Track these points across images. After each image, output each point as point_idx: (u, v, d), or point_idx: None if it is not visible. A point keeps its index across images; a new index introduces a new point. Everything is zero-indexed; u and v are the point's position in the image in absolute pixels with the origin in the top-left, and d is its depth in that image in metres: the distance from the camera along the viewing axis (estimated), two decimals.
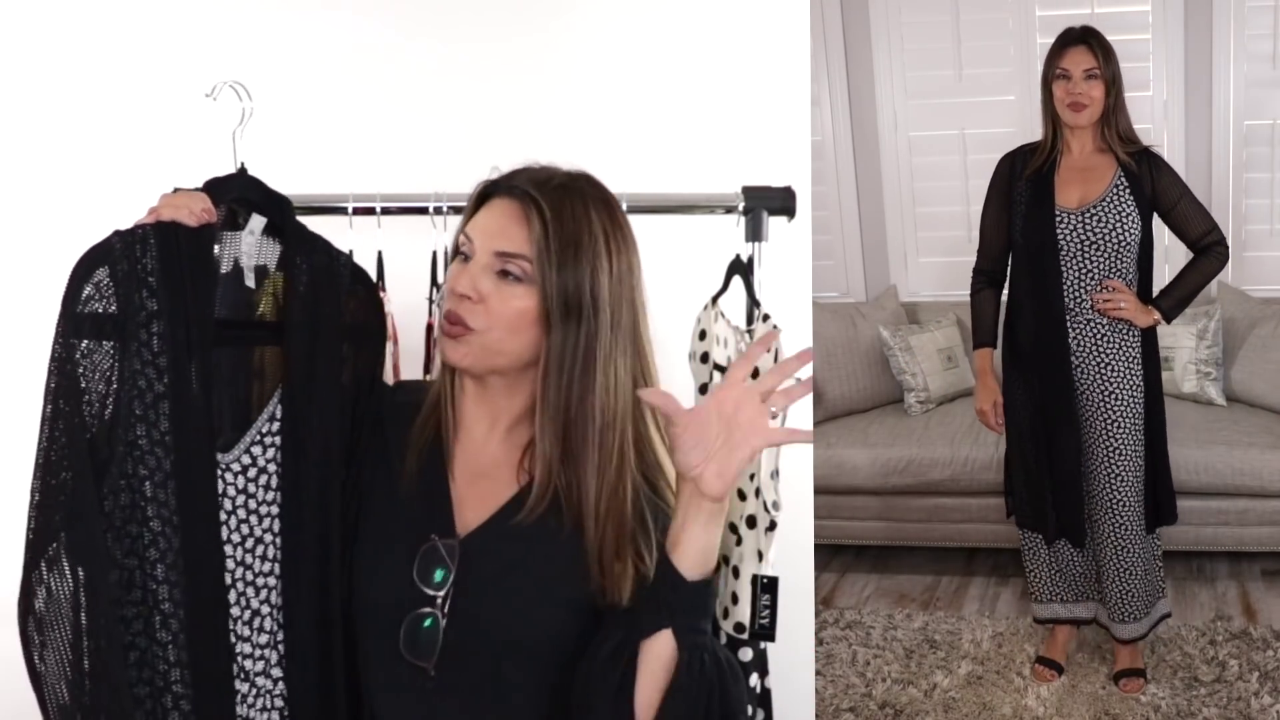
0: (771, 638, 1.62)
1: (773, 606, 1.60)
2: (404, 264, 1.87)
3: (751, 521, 1.61)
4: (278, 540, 1.44)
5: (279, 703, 1.45)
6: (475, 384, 1.43)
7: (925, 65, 4.85)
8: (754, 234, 1.79)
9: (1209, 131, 4.58)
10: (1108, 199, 2.95)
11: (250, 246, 1.46)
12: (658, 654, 1.28)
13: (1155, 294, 3.05)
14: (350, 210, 1.79)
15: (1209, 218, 3.03)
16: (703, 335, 1.79)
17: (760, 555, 1.61)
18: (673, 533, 1.30)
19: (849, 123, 4.96)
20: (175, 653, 1.37)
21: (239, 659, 1.42)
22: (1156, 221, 3.05)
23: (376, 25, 2.24)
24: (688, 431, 1.26)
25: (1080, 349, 3.02)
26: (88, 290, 1.34)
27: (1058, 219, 2.96)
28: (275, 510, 1.44)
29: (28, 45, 2.19)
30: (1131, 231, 2.95)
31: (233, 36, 2.20)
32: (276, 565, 1.44)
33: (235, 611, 1.42)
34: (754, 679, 1.66)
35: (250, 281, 1.47)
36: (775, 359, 1.59)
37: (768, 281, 1.78)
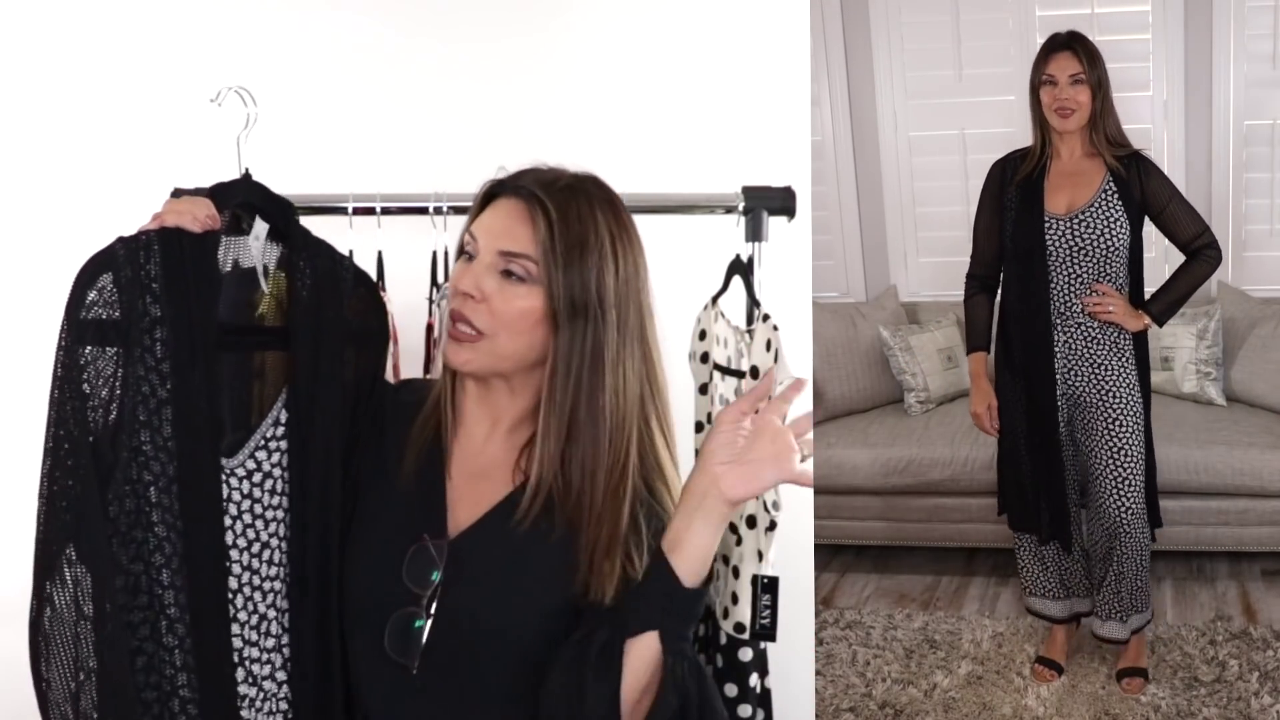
0: (772, 638, 1.62)
1: (773, 606, 1.60)
2: (404, 264, 1.87)
3: (751, 521, 1.61)
4: (284, 545, 1.44)
5: (284, 706, 1.45)
6: (477, 384, 1.43)
7: (925, 65, 4.85)
8: (754, 234, 1.79)
9: (1209, 131, 4.58)
10: (1096, 204, 2.95)
11: (255, 251, 1.46)
12: (640, 655, 1.28)
13: (1147, 298, 3.06)
14: (350, 210, 1.79)
15: (1200, 220, 3.03)
16: (703, 335, 1.79)
17: (760, 555, 1.61)
18: (674, 532, 1.30)
19: (849, 123, 4.96)
20: (181, 657, 1.37)
21: (245, 663, 1.43)
22: (1149, 226, 3.05)
23: (376, 25, 2.24)
24: (724, 430, 1.31)
25: (1072, 353, 3.02)
26: (91, 296, 1.34)
27: (1046, 225, 2.97)
28: (281, 515, 1.45)
29: (32, 52, 2.18)
30: (1120, 236, 2.95)
31: (233, 37, 2.20)
32: (283, 570, 1.45)
33: (242, 616, 1.43)
34: (754, 679, 1.66)
35: (264, 285, 1.47)
36: (775, 358, 1.59)
37: (768, 281, 1.78)
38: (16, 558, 1.47)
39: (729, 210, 1.80)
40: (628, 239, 1.40)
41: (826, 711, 3.21)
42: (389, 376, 1.65)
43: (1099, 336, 3.01)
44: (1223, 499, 3.91)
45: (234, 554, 1.42)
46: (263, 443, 1.44)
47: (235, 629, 1.42)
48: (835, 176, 4.98)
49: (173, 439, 1.37)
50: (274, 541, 1.44)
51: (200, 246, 1.40)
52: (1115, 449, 3.00)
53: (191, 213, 1.41)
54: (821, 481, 3.51)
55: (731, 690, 1.66)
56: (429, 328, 1.86)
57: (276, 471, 1.45)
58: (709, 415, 1.76)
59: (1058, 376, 3.04)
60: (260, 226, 1.47)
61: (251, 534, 1.43)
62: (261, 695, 1.44)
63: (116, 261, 1.35)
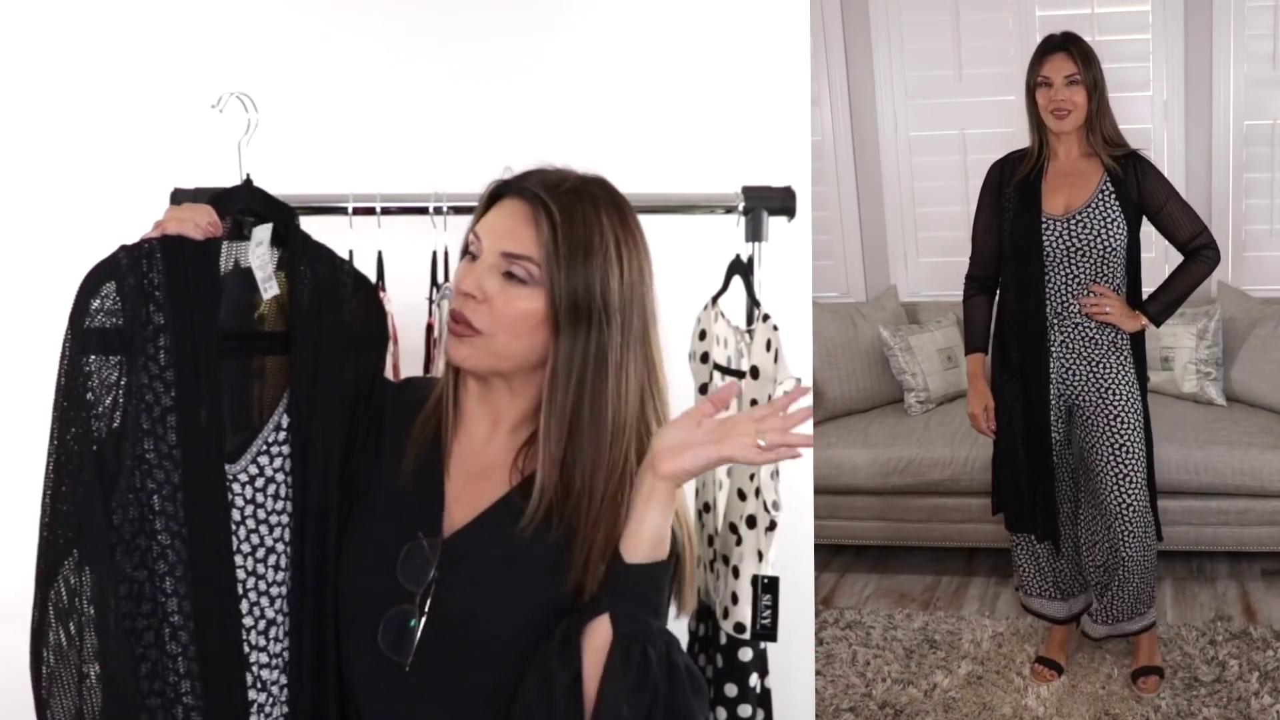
0: (772, 638, 1.62)
1: (773, 606, 1.60)
2: (404, 264, 1.87)
3: (751, 521, 1.61)
4: (289, 549, 1.45)
5: (289, 709, 1.46)
6: (479, 384, 1.43)
7: (925, 65, 4.85)
8: (754, 234, 1.79)
9: (1209, 131, 4.58)
10: (1093, 205, 2.96)
11: (257, 257, 1.47)
12: (594, 640, 1.28)
13: (1144, 298, 3.06)
14: (350, 210, 1.79)
15: (1198, 221, 3.03)
16: (703, 335, 1.79)
17: (760, 555, 1.61)
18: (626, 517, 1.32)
19: (849, 123, 4.96)
20: (185, 664, 1.38)
21: (254, 668, 1.43)
22: (1148, 226, 3.05)
23: (376, 25, 2.24)
24: (689, 415, 1.31)
25: (1069, 354, 3.03)
26: (95, 305, 1.35)
27: (1044, 225, 2.98)
28: (285, 519, 1.45)
29: (33, 57, 2.18)
30: (1117, 237, 2.95)
31: (233, 38, 2.20)
32: (288, 574, 1.45)
33: (249, 621, 1.43)
34: (754, 679, 1.66)
35: (265, 292, 1.47)
36: (775, 358, 1.59)
37: (768, 281, 1.78)
38: (17, 558, 1.47)
39: (729, 210, 1.80)
40: (633, 243, 1.39)
41: (826, 711, 3.21)
42: (389, 376, 1.65)
43: (1096, 337, 3.01)
44: (1223, 499, 3.91)
45: (239, 559, 1.43)
46: (265, 447, 1.45)
47: (242, 634, 1.43)
48: (835, 176, 4.98)
49: (177, 447, 1.37)
50: (279, 546, 1.45)
51: (202, 254, 1.40)
52: (1115, 446, 3.00)
53: (193, 220, 1.41)
54: (821, 481, 3.51)
55: (731, 690, 1.66)
56: (429, 328, 1.86)
57: (280, 476, 1.45)
58: None
59: (1055, 377, 3.05)
60: (262, 232, 1.47)
61: (256, 539, 1.44)
62: (270, 700, 1.44)
63: (119, 270, 1.36)
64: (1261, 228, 4.62)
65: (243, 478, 1.43)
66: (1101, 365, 3.01)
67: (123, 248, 1.37)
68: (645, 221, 1.43)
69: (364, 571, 1.42)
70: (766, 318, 1.63)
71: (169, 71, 2.17)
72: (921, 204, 4.98)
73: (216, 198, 1.48)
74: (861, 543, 4.34)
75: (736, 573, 1.64)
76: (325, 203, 1.79)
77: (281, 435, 1.45)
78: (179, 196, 1.73)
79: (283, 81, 2.17)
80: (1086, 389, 3.03)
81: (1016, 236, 3.03)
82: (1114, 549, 3.06)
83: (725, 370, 1.73)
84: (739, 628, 1.64)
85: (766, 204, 1.79)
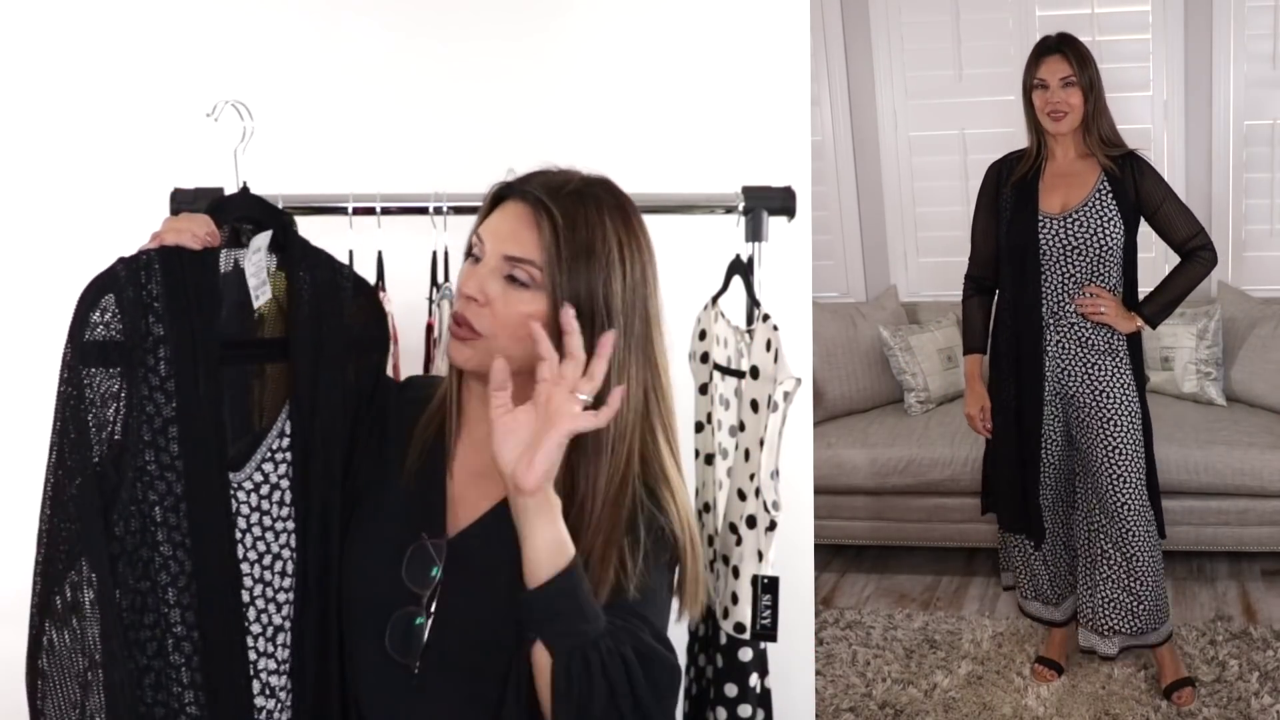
0: (772, 638, 1.62)
1: (773, 606, 1.60)
2: (404, 264, 1.87)
3: (751, 521, 1.61)
4: (295, 556, 1.45)
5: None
6: (481, 385, 1.42)
7: (925, 65, 4.85)
8: (754, 234, 1.79)
9: (1209, 131, 4.59)
10: (1089, 204, 2.96)
11: (252, 264, 1.47)
12: (538, 666, 1.25)
13: (1141, 299, 3.06)
14: (350, 210, 1.79)
15: (1194, 222, 3.03)
16: (703, 335, 1.79)
17: (760, 555, 1.61)
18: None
19: (849, 123, 4.97)
20: (189, 674, 1.38)
21: (262, 675, 1.43)
22: (1146, 227, 3.05)
23: (376, 25, 2.24)
24: (502, 424, 1.25)
25: (1065, 353, 3.03)
26: (94, 318, 1.34)
27: (1040, 224, 2.98)
28: (291, 526, 1.45)
29: (32, 65, 2.18)
30: (1114, 236, 2.96)
31: (233, 39, 2.20)
32: (295, 581, 1.45)
33: (256, 629, 1.43)
34: (754, 679, 1.66)
35: (256, 299, 1.47)
36: (775, 358, 1.59)
37: (768, 281, 1.77)
38: (17, 558, 1.47)
39: (729, 210, 1.80)
40: (636, 246, 1.38)
41: (826, 711, 3.21)
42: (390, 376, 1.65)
43: (1092, 337, 3.01)
44: (1223, 499, 3.91)
45: (245, 567, 1.43)
46: (269, 455, 1.45)
47: (249, 641, 1.43)
48: (835, 176, 4.98)
49: (180, 458, 1.38)
50: (285, 553, 1.45)
51: (200, 264, 1.40)
52: (1109, 448, 3.00)
53: (190, 230, 1.41)
54: (821, 481, 3.51)
55: (731, 690, 1.66)
56: (429, 328, 1.86)
57: (284, 483, 1.45)
58: (709, 415, 1.76)
59: (1052, 376, 3.05)
60: (261, 239, 1.47)
61: (262, 546, 1.44)
62: (279, 706, 1.44)
63: (118, 282, 1.36)
64: (1261, 228, 4.62)
65: (247, 485, 1.43)
66: (1097, 366, 3.01)
67: (120, 260, 1.37)
68: (646, 221, 1.43)
69: (368, 573, 1.41)
70: (766, 318, 1.63)
71: (169, 74, 2.17)
72: (921, 204, 4.98)
73: (214, 206, 1.48)
74: (861, 543, 4.34)
75: (736, 573, 1.64)
76: (325, 203, 1.79)
77: (285, 442, 1.45)
78: (178, 197, 1.73)
79: (282, 82, 2.17)
80: (1082, 389, 3.03)
81: (1013, 235, 3.03)
82: (1117, 549, 3.06)
83: (725, 370, 1.73)
84: (739, 628, 1.63)
85: (766, 204, 1.79)
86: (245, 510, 1.43)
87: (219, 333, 1.42)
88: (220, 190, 1.69)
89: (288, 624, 1.44)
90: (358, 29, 2.23)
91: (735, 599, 1.64)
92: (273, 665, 1.44)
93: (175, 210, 1.72)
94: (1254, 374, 4.31)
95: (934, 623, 3.73)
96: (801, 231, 2.15)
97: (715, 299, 1.78)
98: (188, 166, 1.80)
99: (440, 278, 1.87)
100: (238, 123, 1.56)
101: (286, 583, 1.45)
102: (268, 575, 1.44)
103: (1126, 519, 3.02)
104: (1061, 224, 2.97)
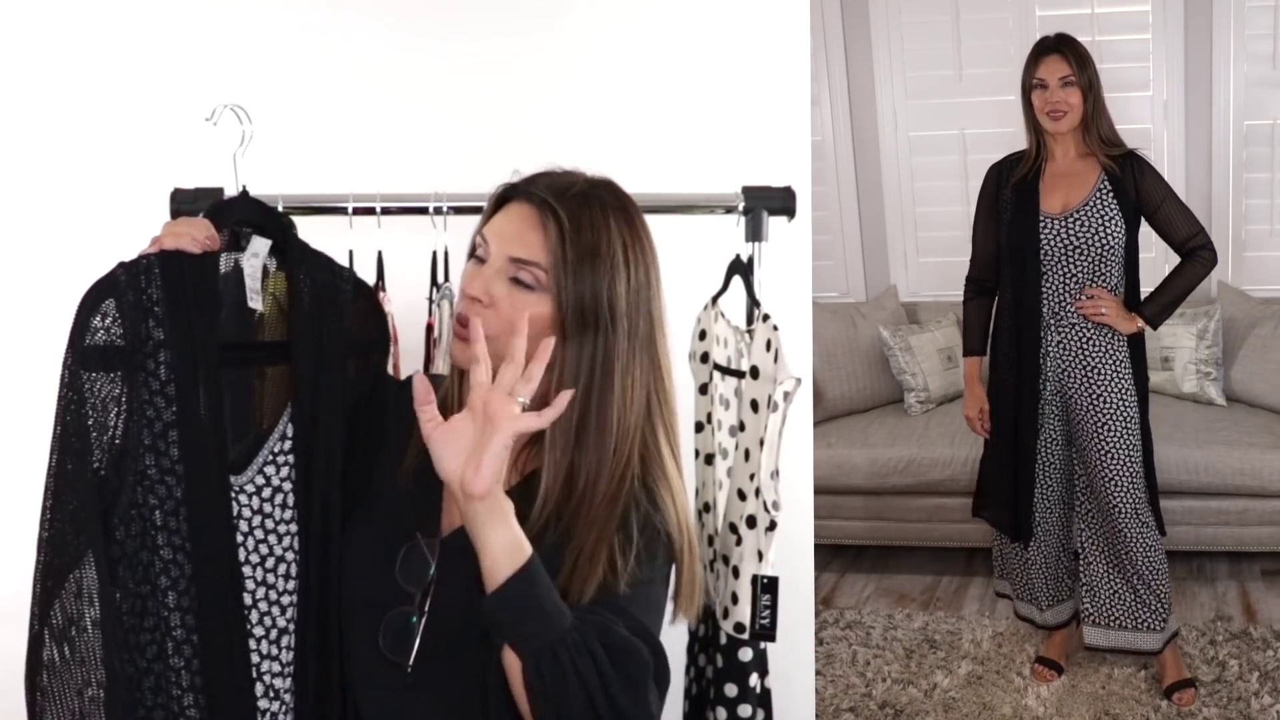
0: (772, 638, 1.62)
1: (773, 606, 1.60)
2: (404, 264, 1.87)
3: (751, 521, 1.61)
4: (298, 558, 1.45)
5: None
6: None
7: (925, 65, 4.85)
8: (754, 234, 1.79)
9: (1209, 131, 4.59)
10: (1090, 204, 2.96)
11: (250, 268, 1.47)
12: (509, 666, 1.25)
13: (1142, 299, 3.06)
14: (350, 210, 1.79)
15: (1194, 222, 3.02)
16: (703, 335, 1.79)
17: (760, 555, 1.61)
18: None
19: (849, 123, 4.97)
20: (189, 678, 1.38)
21: (266, 678, 1.43)
22: (1147, 227, 3.05)
23: (376, 25, 2.24)
24: (438, 436, 1.25)
25: (1065, 354, 3.03)
26: (94, 323, 1.35)
27: (1041, 224, 2.99)
28: (294, 528, 1.45)
29: (31, 65, 2.18)
30: (1115, 236, 2.96)
31: (233, 39, 2.20)
32: (298, 583, 1.45)
33: (259, 631, 1.43)
34: (754, 679, 1.66)
35: (252, 303, 1.47)
36: (775, 358, 1.59)
37: (768, 281, 1.78)
38: (17, 559, 1.47)
39: (729, 210, 1.80)
40: (640, 248, 1.39)
41: (826, 711, 3.21)
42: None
43: (1093, 338, 3.01)
44: (1223, 499, 3.91)
45: (248, 570, 1.43)
46: (270, 457, 1.45)
47: (252, 644, 1.43)
48: (835, 176, 4.98)
49: (179, 461, 1.38)
50: (288, 555, 1.45)
51: (200, 268, 1.41)
52: (1105, 452, 3.00)
53: (190, 234, 1.41)
54: (821, 481, 3.51)
55: (731, 690, 1.66)
56: (429, 328, 1.86)
57: (286, 486, 1.45)
58: (709, 415, 1.76)
59: (1052, 377, 3.05)
60: (260, 244, 1.48)
61: (265, 549, 1.44)
62: (283, 708, 1.44)
63: (118, 287, 1.36)
64: (1261, 228, 4.62)
65: (249, 488, 1.44)
66: (1097, 368, 3.01)
67: (120, 264, 1.37)
68: (648, 223, 1.43)
69: (362, 572, 1.42)
70: (766, 318, 1.63)
71: (169, 74, 2.17)
72: (921, 204, 4.98)
73: (213, 210, 1.48)
74: (861, 543, 4.34)
75: (736, 573, 1.64)
76: (325, 203, 1.79)
77: (287, 445, 1.46)
78: (179, 198, 1.74)
79: (283, 81, 2.17)
80: (1081, 390, 3.03)
81: (1014, 236, 3.03)
82: (1118, 550, 3.06)
83: (725, 370, 1.73)
84: (739, 628, 1.64)
85: (766, 204, 1.79)
86: (247, 513, 1.43)
87: (219, 336, 1.43)
88: (220, 191, 1.69)
89: (291, 626, 1.45)
90: (358, 29, 2.23)
91: (735, 599, 1.64)
92: (276, 667, 1.44)
93: (175, 211, 1.72)
94: (1254, 374, 4.31)
95: (934, 623, 3.73)
96: (801, 231, 2.15)
97: (715, 299, 1.78)
98: (188, 167, 1.80)
99: (440, 278, 1.87)
100: (236, 126, 1.56)
101: (290, 585, 1.45)
102: (270, 578, 1.44)
103: (1121, 521, 3.02)
104: (1063, 224, 2.97)
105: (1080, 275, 2.99)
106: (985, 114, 4.69)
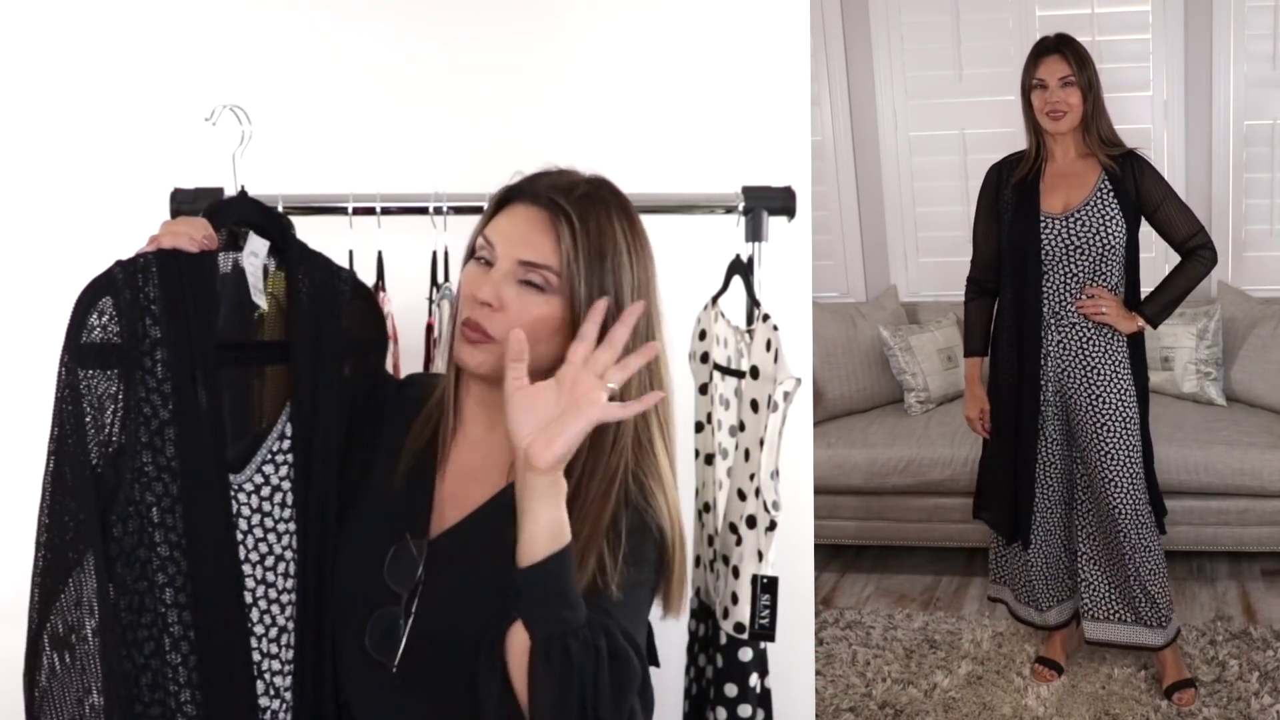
0: (771, 638, 1.62)
1: (773, 606, 1.60)
2: (404, 264, 1.87)
3: (751, 521, 1.61)
4: (297, 557, 1.45)
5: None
6: (483, 387, 1.42)
7: (925, 65, 4.85)
8: (754, 234, 1.79)
9: (1209, 131, 4.59)
10: (1091, 203, 2.96)
11: (251, 268, 1.47)
12: (515, 647, 1.24)
13: (1142, 299, 3.06)
14: (350, 210, 1.79)
15: (1194, 221, 3.03)
16: (703, 335, 1.79)
17: (760, 555, 1.61)
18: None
19: (849, 123, 4.96)
20: (186, 674, 1.38)
21: (266, 675, 1.44)
22: (1147, 226, 3.06)
23: (376, 24, 2.24)
24: (519, 398, 1.24)
25: (1065, 354, 3.03)
26: (92, 320, 1.35)
27: (1042, 224, 2.99)
28: (293, 527, 1.46)
29: (31, 65, 2.18)
30: (1116, 235, 2.96)
31: (232, 39, 2.20)
32: (295, 580, 1.46)
33: (259, 629, 1.43)
34: (754, 679, 1.66)
35: (260, 302, 1.47)
36: (775, 358, 1.59)
37: (768, 281, 1.78)
38: (17, 559, 1.47)
39: (729, 210, 1.80)
40: (640, 244, 1.40)
41: (826, 711, 3.21)
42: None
43: (1093, 338, 3.01)
44: (1223, 499, 3.91)
45: (248, 568, 1.43)
46: (269, 456, 1.45)
47: (253, 642, 1.43)
48: (835, 176, 4.98)
49: (176, 459, 1.38)
50: (288, 554, 1.45)
51: (197, 267, 1.41)
52: (1104, 453, 3.00)
53: (188, 234, 1.41)
54: (821, 481, 3.51)
55: (731, 690, 1.66)
56: (429, 328, 1.86)
57: (285, 484, 1.46)
58: (709, 415, 1.76)
59: (1052, 376, 3.05)
60: (258, 243, 1.48)
61: (264, 547, 1.44)
62: (284, 706, 1.44)
63: (115, 285, 1.36)
64: (1261, 228, 4.62)
65: (248, 487, 1.44)
66: (1097, 369, 3.01)
67: (118, 263, 1.38)
68: (645, 221, 1.43)
69: (353, 572, 1.42)
70: (766, 318, 1.63)
71: (169, 74, 2.17)
72: (921, 204, 4.98)
73: (211, 210, 1.49)
74: (862, 543, 4.34)
75: (736, 573, 1.64)
76: (325, 203, 1.79)
77: (285, 444, 1.46)
78: (179, 197, 1.74)
79: (283, 81, 2.17)
80: (1080, 390, 3.03)
81: (1014, 237, 3.03)
82: (1117, 549, 3.06)
83: (725, 370, 1.73)
84: (739, 628, 1.64)
85: (766, 204, 1.79)
86: (246, 512, 1.43)
87: (217, 335, 1.43)
88: (221, 191, 1.69)
89: (291, 624, 1.45)
90: (358, 29, 2.23)
91: (735, 599, 1.64)
92: (276, 665, 1.44)
93: (176, 211, 1.72)
94: (1254, 374, 4.31)
95: (934, 623, 3.73)
96: (801, 231, 2.15)
97: (715, 299, 1.78)
98: (188, 167, 1.80)
99: (440, 278, 1.87)
100: (236, 127, 1.56)
101: (289, 583, 1.45)
102: (270, 576, 1.44)
103: (1121, 521, 3.02)
104: (1064, 224, 2.97)
105: (1081, 275, 2.99)
106: (985, 114, 4.69)
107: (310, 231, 1.58)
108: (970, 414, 3.19)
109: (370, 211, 1.80)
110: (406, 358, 1.85)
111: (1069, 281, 3.00)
